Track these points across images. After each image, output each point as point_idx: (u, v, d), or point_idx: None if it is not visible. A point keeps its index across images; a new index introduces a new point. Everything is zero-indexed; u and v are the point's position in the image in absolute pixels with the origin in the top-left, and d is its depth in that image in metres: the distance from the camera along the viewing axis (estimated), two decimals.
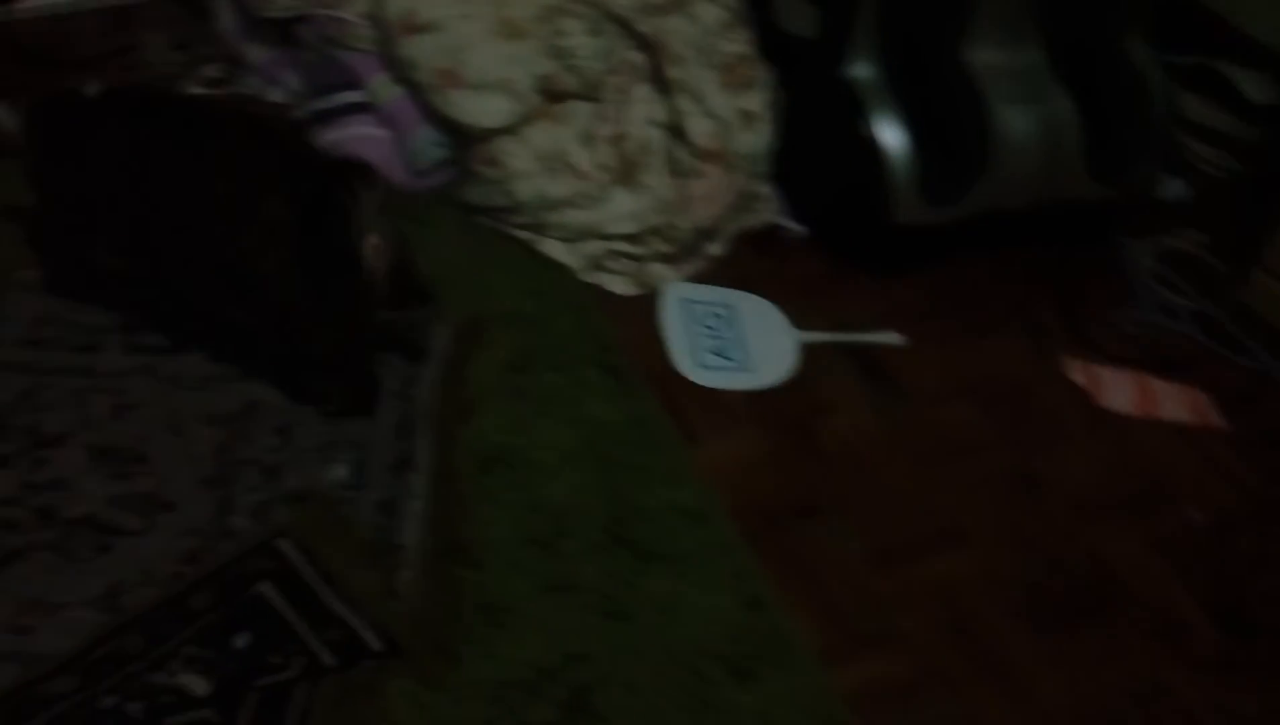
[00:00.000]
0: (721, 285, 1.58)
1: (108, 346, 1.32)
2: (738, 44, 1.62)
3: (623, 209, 1.54)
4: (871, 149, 1.50)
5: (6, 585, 1.06)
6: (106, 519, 1.14)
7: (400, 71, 1.54)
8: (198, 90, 1.71)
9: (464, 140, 1.55)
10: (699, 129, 1.54)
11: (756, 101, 1.60)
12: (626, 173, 1.55)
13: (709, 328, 1.50)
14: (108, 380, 1.28)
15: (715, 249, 1.61)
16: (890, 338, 1.52)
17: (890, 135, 1.50)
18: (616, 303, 1.53)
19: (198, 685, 1.01)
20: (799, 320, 1.53)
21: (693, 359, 1.45)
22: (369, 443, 1.26)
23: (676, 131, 1.56)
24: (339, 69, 1.59)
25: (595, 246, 1.55)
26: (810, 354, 1.48)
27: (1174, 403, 1.50)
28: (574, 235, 1.55)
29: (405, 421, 1.30)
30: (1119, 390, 1.50)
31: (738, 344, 1.49)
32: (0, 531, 1.11)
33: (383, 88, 1.57)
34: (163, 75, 1.72)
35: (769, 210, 1.66)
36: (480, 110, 1.50)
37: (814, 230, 1.66)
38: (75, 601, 1.06)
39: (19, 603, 1.05)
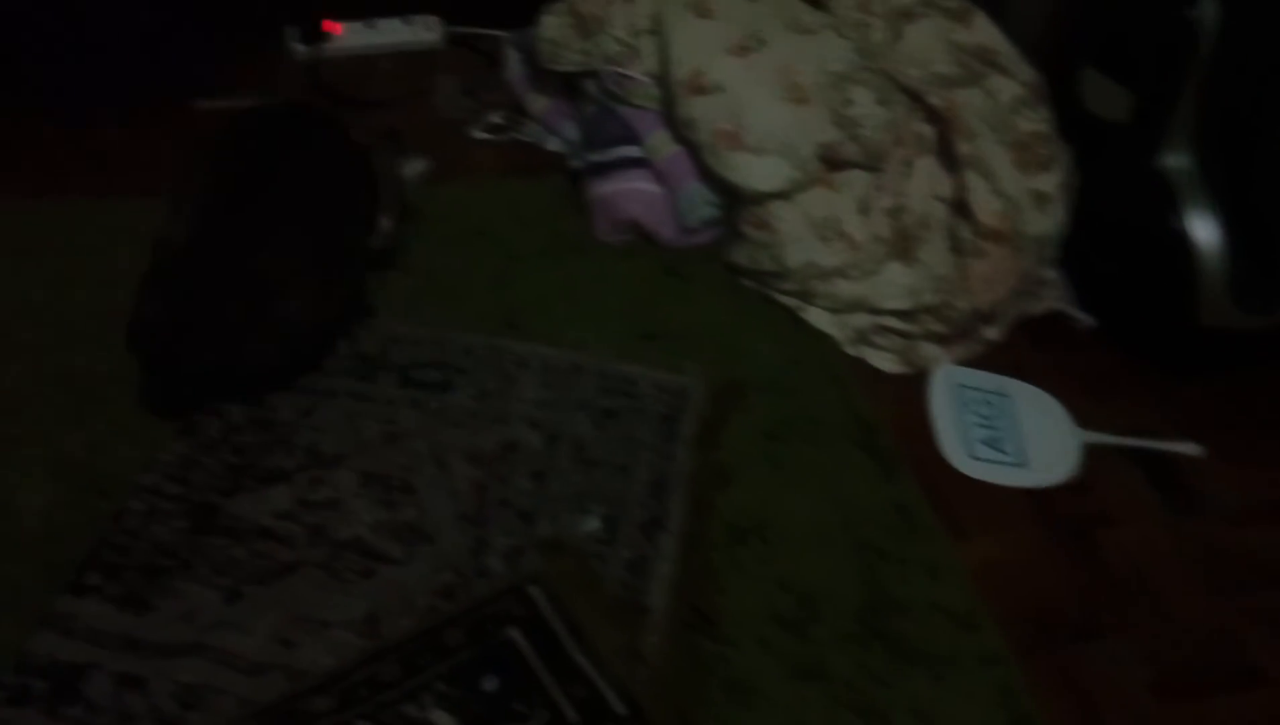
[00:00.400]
0: (997, 372, 1.49)
1: (383, 376, 1.37)
2: (1035, 122, 1.55)
3: (896, 283, 1.49)
4: (1181, 244, 1.41)
5: (278, 598, 1.09)
6: (372, 544, 1.16)
7: (679, 130, 1.55)
8: (481, 136, 1.78)
9: (736, 201, 1.54)
10: (986, 207, 1.47)
11: (1051, 183, 1.52)
12: (903, 246, 1.50)
13: (981, 416, 1.42)
14: (380, 407, 1.32)
15: (993, 333, 1.54)
16: (1186, 447, 1.39)
17: (1204, 231, 1.40)
18: (881, 380, 1.47)
19: (445, 722, 1.00)
20: (1082, 418, 1.42)
21: (962, 447, 1.38)
22: (623, 498, 1.25)
23: (961, 208, 1.50)
24: (618, 123, 1.62)
25: (863, 319, 1.50)
26: (1093, 456, 1.38)
27: None
28: (842, 306, 1.51)
29: (660, 480, 1.27)
30: None
31: (1012, 436, 1.40)
32: (275, 544, 1.14)
33: (660, 144, 1.58)
34: (450, 119, 1.80)
35: (1055, 297, 1.58)
36: (757, 173, 1.49)
37: (1104, 322, 1.57)
38: (338, 621, 1.07)
39: (287, 616, 1.07)
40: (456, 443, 1.28)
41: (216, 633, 1.06)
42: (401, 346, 1.40)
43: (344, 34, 1.96)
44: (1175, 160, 1.43)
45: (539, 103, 1.80)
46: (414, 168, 1.50)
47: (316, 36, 1.94)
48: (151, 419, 1.28)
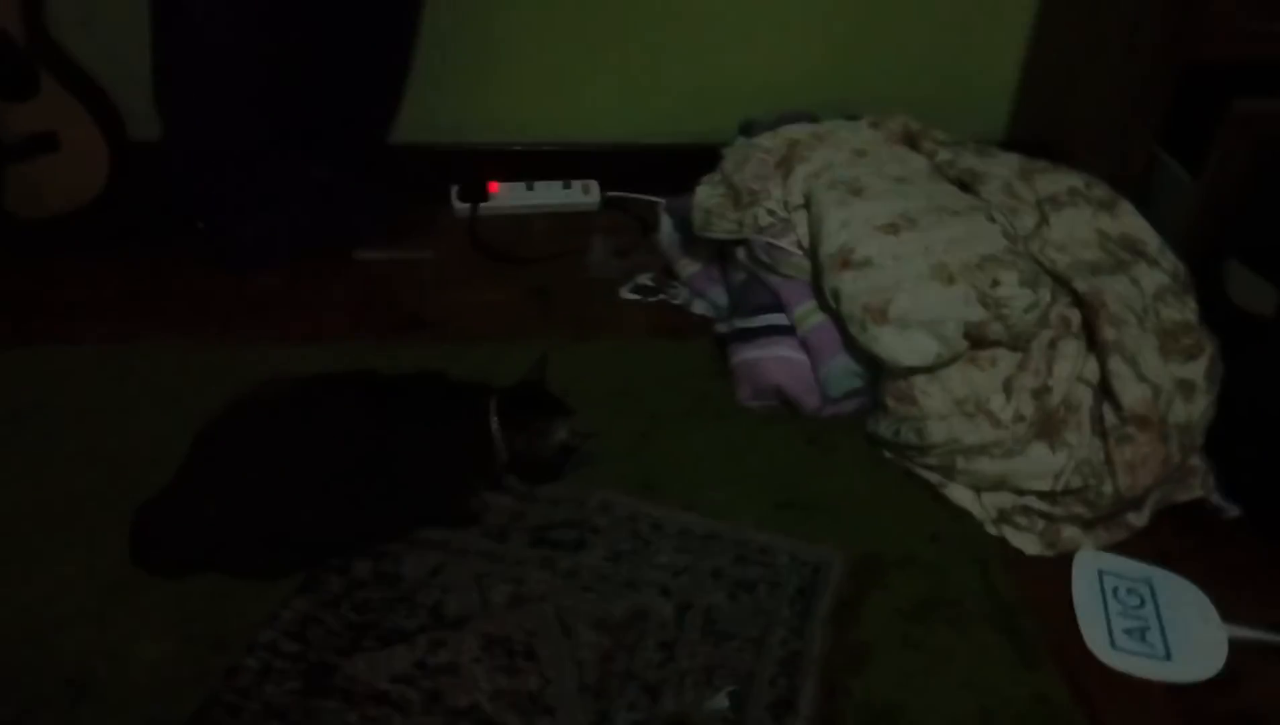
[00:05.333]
0: (1141, 559, 1.29)
1: (515, 535, 1.21)
2: (1181, 311, 1.37)
3: (1040, 465, 1.30)
4: None
5: None
6: (490, 714, 1.00)
7: (827, 301, 1.41)
8: (630, 296, 1.65)
9: (880, 374, 1.38)
10: (1132, 393, 1.28)
11: (1197, 372, 1.33)
12: (1048, 427, 1.32)
13: (1125, 604, 1.22)
14: (509, 567, 1.17)
15: (1138, 519, 1.33)
16: None
17: None
18: (1022, 562, 1.27)
19: None
20: (1228, 611, 1.21)
21: (1105, 637, 1.18)
22: (752, 675, 1.07)
23: (1106, 392, 1.31)
24: (766, 291, 1.49)
25: (1005, 499, 1.32)
26: (1240, 652, 1.17)
27: None
28: (984, 484, 1.32)
29: (793, 658, 1.09)
30: None
31: (1156, 627, 1.19)
32: (390, 710, 1.00)
33: (807, 314, 1.44)
34: (600, 278, 1.68)
35: (1201, 486, 1.36)
36: (903, 348, 1.33)
37: (1251, 513, 1.34)
38: None
39: None
40: (585, 608, 1.13)
41: None
42: (539, 506, 1.26)
43: (503, 193, 1.87)
44: None
45: (689, 267, 1.68)
46: (558, 435, 1.24)
47: (476, 195, 1.84)
48: None
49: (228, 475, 1.10)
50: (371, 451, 1.14)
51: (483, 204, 1.83)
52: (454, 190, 1.85)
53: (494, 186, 1.85)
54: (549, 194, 1.86)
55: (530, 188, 1.86)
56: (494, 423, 1.21)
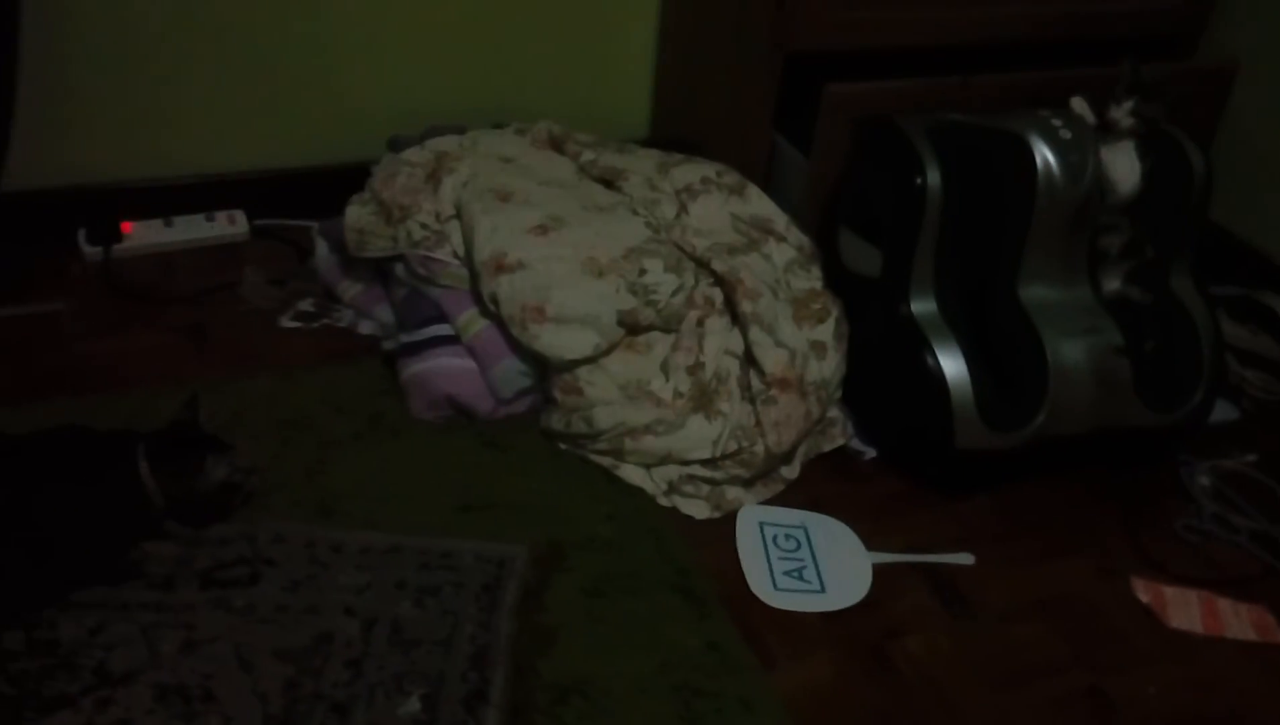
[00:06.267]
0: (796, 507, 1.42)
1: (182, 582, 1.17)
2: (809, 280, 1.54)
3: (699, 435, 1.40)
4: (934, 380, 1.40)
5: None
6: None
7: (488, 307, 1.45)
8: (291, 324, 1.62)
9: (547, 370, 1.44)
10: (772, 359, 1.42)
11: (827, 333, 1.50)
12: (703, 400, 1.42)
13: (783, 549, 1.35)
14: (178, 614, 1.13)
15: (789, 472, 1.47)
16: (961, 558, 1.36)
17: (951, 367, 1.40)
18: (694, 526, 1.38)
19: None
20: (871, 541, 1.37)
21: (767, 581, 1.30)
22: (443, 674, 1.10)
23: (750, 361, 1.44)
24: (429, 304, 1.50)
25: (673, 471, 1.41)
26: (883, 575, 1.33)
27: (1240, 622, 1.33)
28: (652, 461, 1.41)
29: (482, 651, 1.13)
30: (1185, 610, 1.34)
31: (812, 566, 1.33)
32: None
33: (470, 322, 1.47)
34: (258, 309, 1.63)
35: (841, 434, 1.53)
36: (564, 343, 1.40)
37: (884, 453, 1.52)
38: None
39: None
40: (264, 641, 1.11)
41: None
42: (206, 548, 1.21)
43: (139, 233, 1.75)
44: (920, 307, 1.44)
45: (351, 288, 1.66)
46: (216, 473, 1.20)
47: (108, 236, 1.72)
48: None
49: None
50: (1, 517, 1.06)
51: (117, 245, 1.71)
52: (81, 234, 1.71)
53: (127, 227, 1.74)
54: (191, 228, 1.77)
55: (169, 224, 1.77)
56: (143, 468, 1.15)
